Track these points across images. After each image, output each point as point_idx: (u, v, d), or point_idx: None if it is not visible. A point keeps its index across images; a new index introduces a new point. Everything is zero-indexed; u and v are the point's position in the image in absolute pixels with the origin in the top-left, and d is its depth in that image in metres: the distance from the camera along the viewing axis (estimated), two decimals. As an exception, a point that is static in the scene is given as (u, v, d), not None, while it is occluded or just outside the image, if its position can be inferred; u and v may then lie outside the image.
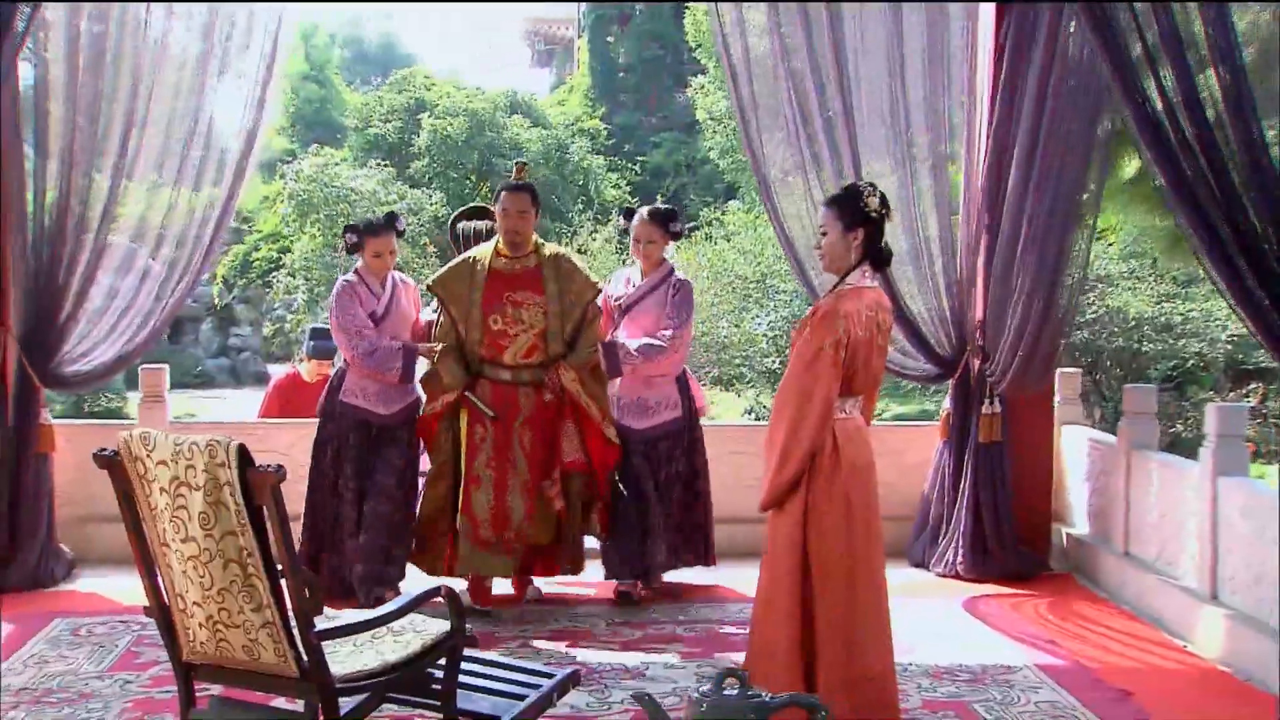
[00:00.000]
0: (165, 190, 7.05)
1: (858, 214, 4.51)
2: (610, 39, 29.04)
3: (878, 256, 4.59)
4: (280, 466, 3.70)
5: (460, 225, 6.99)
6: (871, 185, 4.67)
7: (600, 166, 22.94)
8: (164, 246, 7.11)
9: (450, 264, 6.51)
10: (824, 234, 4.63)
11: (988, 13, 7.25)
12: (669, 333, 6.48)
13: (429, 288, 6.45)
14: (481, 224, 6.89)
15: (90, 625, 6.07)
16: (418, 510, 6.45)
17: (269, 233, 22.13)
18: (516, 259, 6.31)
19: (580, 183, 22.29)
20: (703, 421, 6.90)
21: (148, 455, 3.72)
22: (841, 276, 4.59)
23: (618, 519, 6.48)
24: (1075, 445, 7.67)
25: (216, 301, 23.13)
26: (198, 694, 4.12)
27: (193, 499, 3.65)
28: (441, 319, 6.37)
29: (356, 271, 6.51)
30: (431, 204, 19.55)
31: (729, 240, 17.17)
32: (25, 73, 6.93)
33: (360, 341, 6.31)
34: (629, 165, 24.36)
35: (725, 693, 2.52)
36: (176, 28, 7.01)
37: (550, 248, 6.48)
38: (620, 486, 6.45)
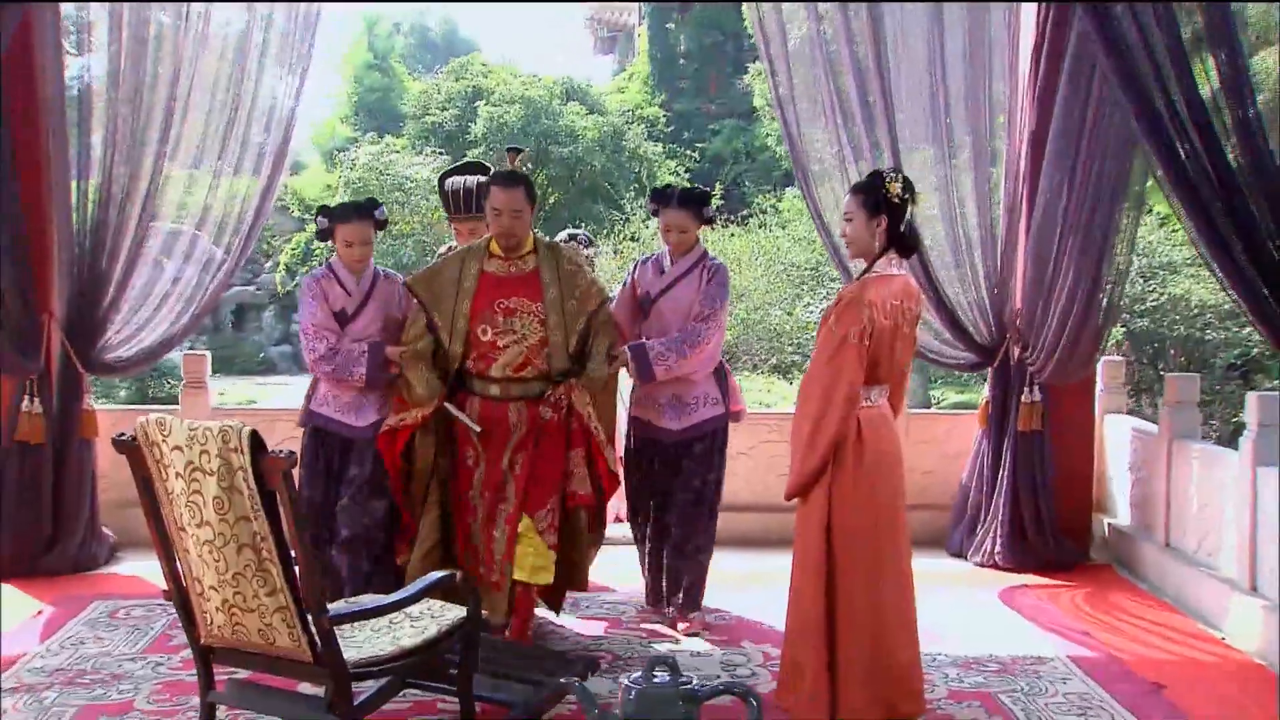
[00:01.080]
0: (206, 177, 7.12)
1: (880, 200, 4.49)
2: (670, 26, 28.98)
3: (903, 242, 4.55)
4: (292, 452, 3.75)
5: (450, 181, 6.15)
6: (896, 171, 4.65)
7: (657, 154, 22.89)
8: (204, 233, 7.18)
9: (435, 262, 5.81)
10: (849, 220, 4.63)
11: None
12: (701, 324, 5.74)
13: (407, 286, 5.62)
14: (473, 179, 6.06)
15: (128, 608, 6.19)
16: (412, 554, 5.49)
17: (330, 221, 22.31)
18: (511, 260, 5.49)
19: (636, 170, 22.27)
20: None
21: (164, 441, 3.78)
22: (869, 264, 4.57)
23: (640, 545, 6.03)
24: (1118, 434, 7.58)
25: (279, 289, 23.35)
26: (219, 677, 4.20)
27: (207, 484, 3.71)
28: (415, 321, 5.54)
29: (328, 264, 5.83)
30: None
31: (784, 228, 17.12)
32: (70, 63, 7.06)
33: (317, 344, 5.58)
34: (687, 152, 24.31)
35: (656, 680, 2.51)
36: (217, 17, 7.06)
37: (549, 245, 5.66)
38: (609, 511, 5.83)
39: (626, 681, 2.54)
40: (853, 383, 4.37)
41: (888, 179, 4.52)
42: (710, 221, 6.01)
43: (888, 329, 4.43)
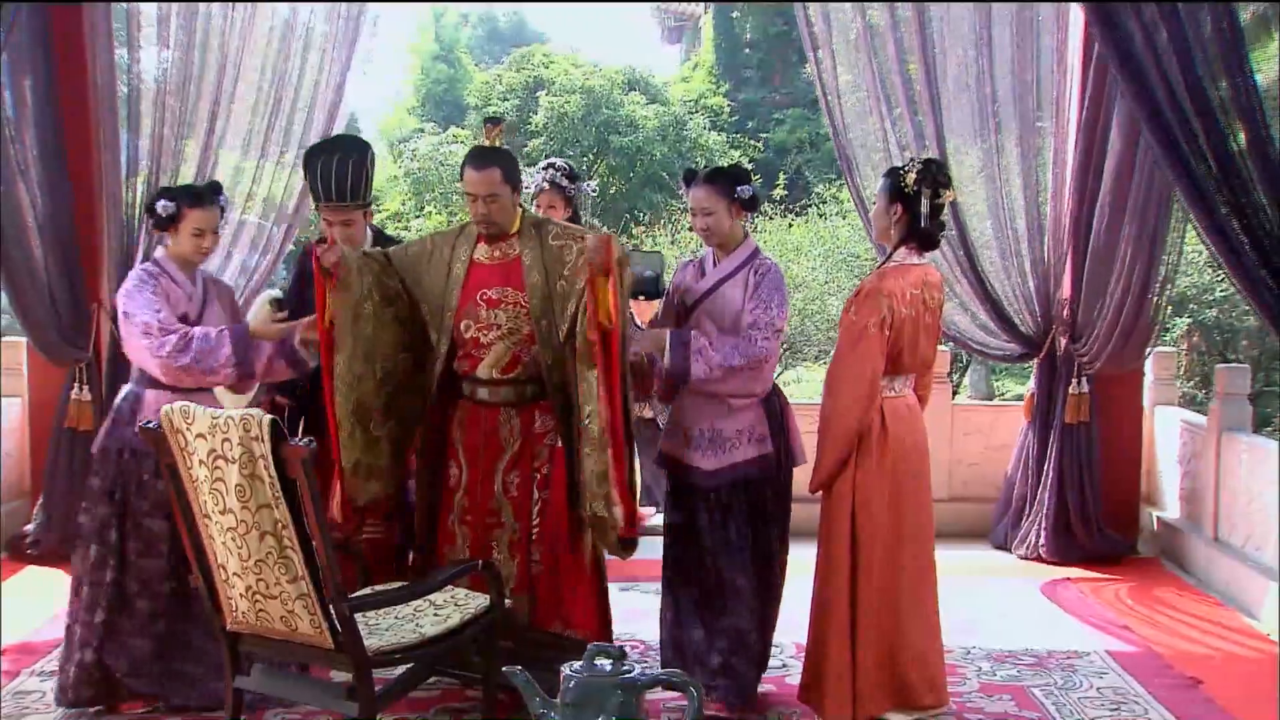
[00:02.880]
0: (252, 165, 7.21)
1: (896, 189, 4.46)
2: (735, 14, 28.82)
3: (921, 236, 4.51)
4: (311, 440, 3.79)
5: (316, 162, 4.99)
6: (925, 162, 4.57)
7: (719, 143, 22.77)
8: (248, 223, 7.28)
9: (420, 243, 4.96)
10: (874, 203, 4.67)
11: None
12: (758, 334, 4.52)
13: (386, 258, 4.76)
14: (341, 159, 4.92)
15: (171, 593, 6.26)
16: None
17: (394, 211, 22.47)
18: (497, 245, 4.69)
19: (697, 160, 22.18)
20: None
21: (187, 428, 3.82)
22: (888, 254, 4.56)
23: (672, 615, 4.88)
24: (1168, 427, 7.47)
25: (344, 279, 23.45)
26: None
27: (229, 472, 3.75)
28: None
29: (155, 261, 4.79)
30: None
31: (844, 218, 17.00)
32: (120, 56, 7.19)
33: (167, 339, 4.54)
34: (751, 142, 24.15)
35: (596, 669, 2.52)
36: (264, 9, 7.14)
37: (535, 223, 4.75)
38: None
39: (567, 670, 2.55)
40: (874, 372, 4.37)
41: (904, 169, 4.49)
42: (749, 206, 4.71)
43: (908, 319, 4.41)
